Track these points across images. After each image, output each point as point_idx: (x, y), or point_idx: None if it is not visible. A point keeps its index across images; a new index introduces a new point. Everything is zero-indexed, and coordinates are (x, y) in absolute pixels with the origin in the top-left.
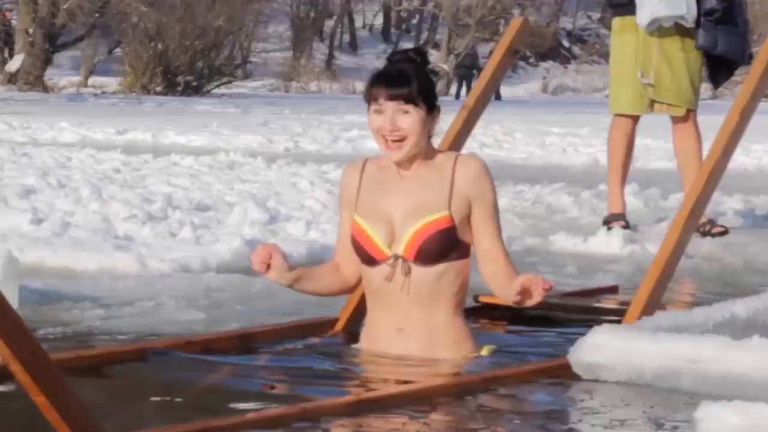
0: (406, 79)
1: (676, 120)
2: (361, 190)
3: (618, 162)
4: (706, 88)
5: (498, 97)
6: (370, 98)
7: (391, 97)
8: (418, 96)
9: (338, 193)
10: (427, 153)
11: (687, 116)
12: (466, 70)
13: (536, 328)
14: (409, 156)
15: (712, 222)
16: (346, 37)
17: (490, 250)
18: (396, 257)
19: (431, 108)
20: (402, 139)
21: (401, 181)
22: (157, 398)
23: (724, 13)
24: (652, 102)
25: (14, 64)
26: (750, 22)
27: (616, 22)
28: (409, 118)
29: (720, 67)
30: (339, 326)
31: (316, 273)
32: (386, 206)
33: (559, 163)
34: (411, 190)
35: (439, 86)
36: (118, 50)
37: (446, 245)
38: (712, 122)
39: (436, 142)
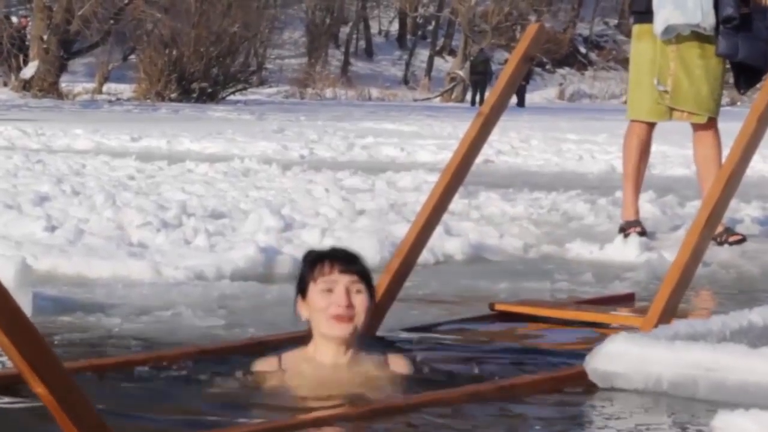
0: (357, 258)
1: (696, 127)
2: (286, 388)
3: (631, 168)
4: (724, 94)
5: (521, 103)
6: (312, 277)
7: (346, 272)
8: (367, 278)
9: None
10: (358, 349)
11: (708, 124)
12: (480, 76)
13: (552, 336)
14: (353, 337)
15: (728, 230)
16: (362, 44)
17: None
18: None
19: (371, 300)
20: (351, 318)
21: (338, 377)
22: (171, 407)
23: (744, 20)
24: (671, 109)
25: (29, 71)
26: None
27: (635, 29)
28: (361, 297)
29: (745, 74)
30: None
31: None
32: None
33: (576, 170)
34: (352, 388)
35: (455, 93)
36: (132, 57)
37: None
38: (730, 129)
39: (450, 147)
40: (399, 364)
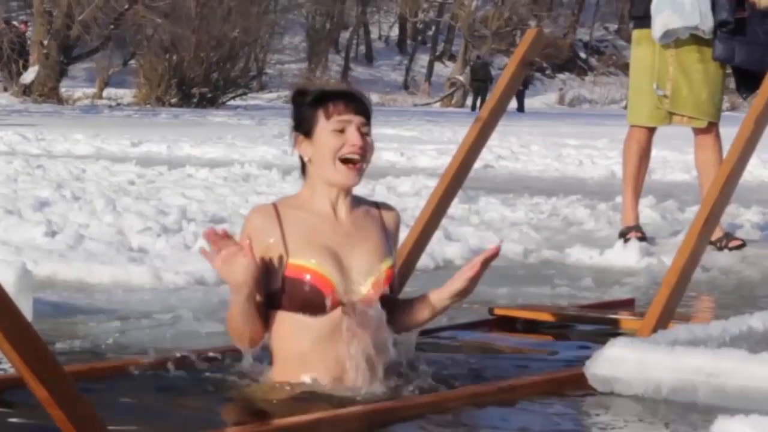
0: (365, 99)
1: (697, 132)
2: (288, 234)
3: (630, 173)
4: (724, 99)
5: (521, 109)
6: (326, 113)
7: (360, 113)
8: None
9: (247, 238)
10: (352, 196)
11: (709, 129)
12: (482, 82)
13: (552, 341)
14: (355, 184)
15: (728, 235)
16: (362, 49)
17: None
18: (352, 305)
19: None
20: (360, 165)
21: (338, 224)
22: (171, 411)
23: (740, 24)
24: (671, 114)
25: (29, 76)
26: None
27: (634, 34)
28: (370, 140)
29: (746, 78)
30: None
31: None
32: (332, 250)
33: (576, 175)
34: (353, 234)
35: (455, 98)
36: (132, 62)
37: (395, 294)
38: (730, 134)
39: (450, 152)
40: (389, 215)
